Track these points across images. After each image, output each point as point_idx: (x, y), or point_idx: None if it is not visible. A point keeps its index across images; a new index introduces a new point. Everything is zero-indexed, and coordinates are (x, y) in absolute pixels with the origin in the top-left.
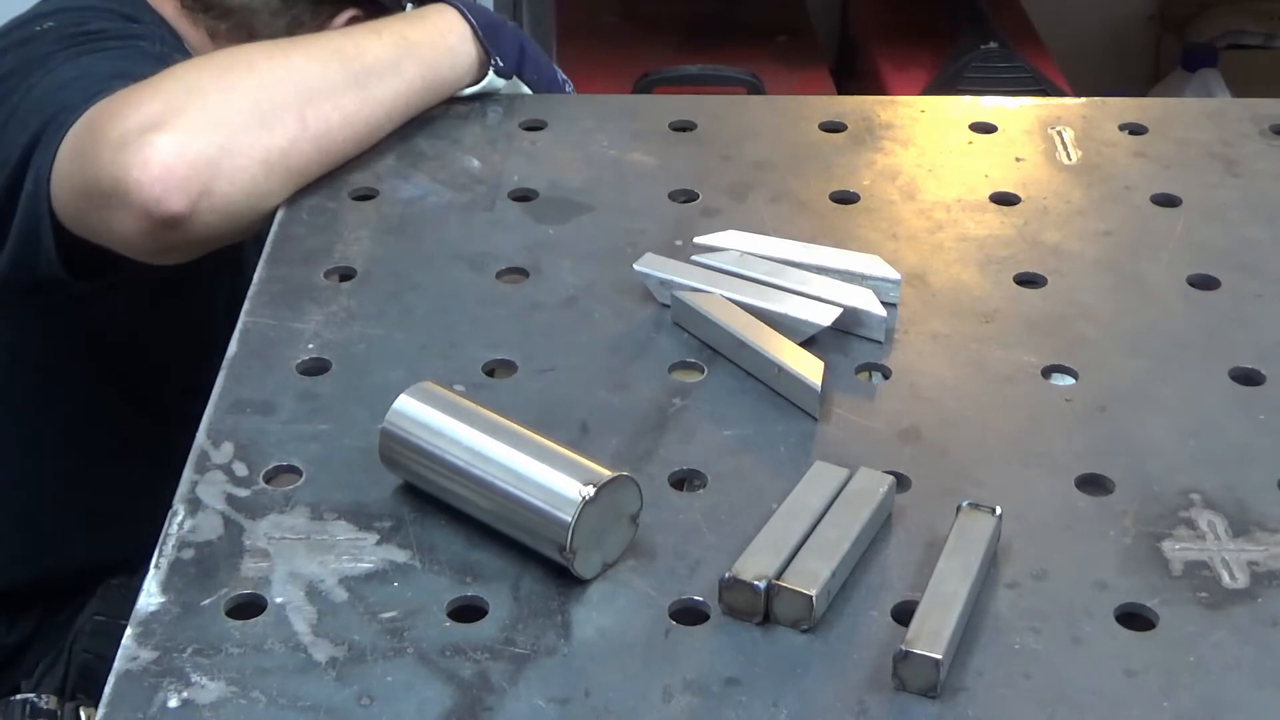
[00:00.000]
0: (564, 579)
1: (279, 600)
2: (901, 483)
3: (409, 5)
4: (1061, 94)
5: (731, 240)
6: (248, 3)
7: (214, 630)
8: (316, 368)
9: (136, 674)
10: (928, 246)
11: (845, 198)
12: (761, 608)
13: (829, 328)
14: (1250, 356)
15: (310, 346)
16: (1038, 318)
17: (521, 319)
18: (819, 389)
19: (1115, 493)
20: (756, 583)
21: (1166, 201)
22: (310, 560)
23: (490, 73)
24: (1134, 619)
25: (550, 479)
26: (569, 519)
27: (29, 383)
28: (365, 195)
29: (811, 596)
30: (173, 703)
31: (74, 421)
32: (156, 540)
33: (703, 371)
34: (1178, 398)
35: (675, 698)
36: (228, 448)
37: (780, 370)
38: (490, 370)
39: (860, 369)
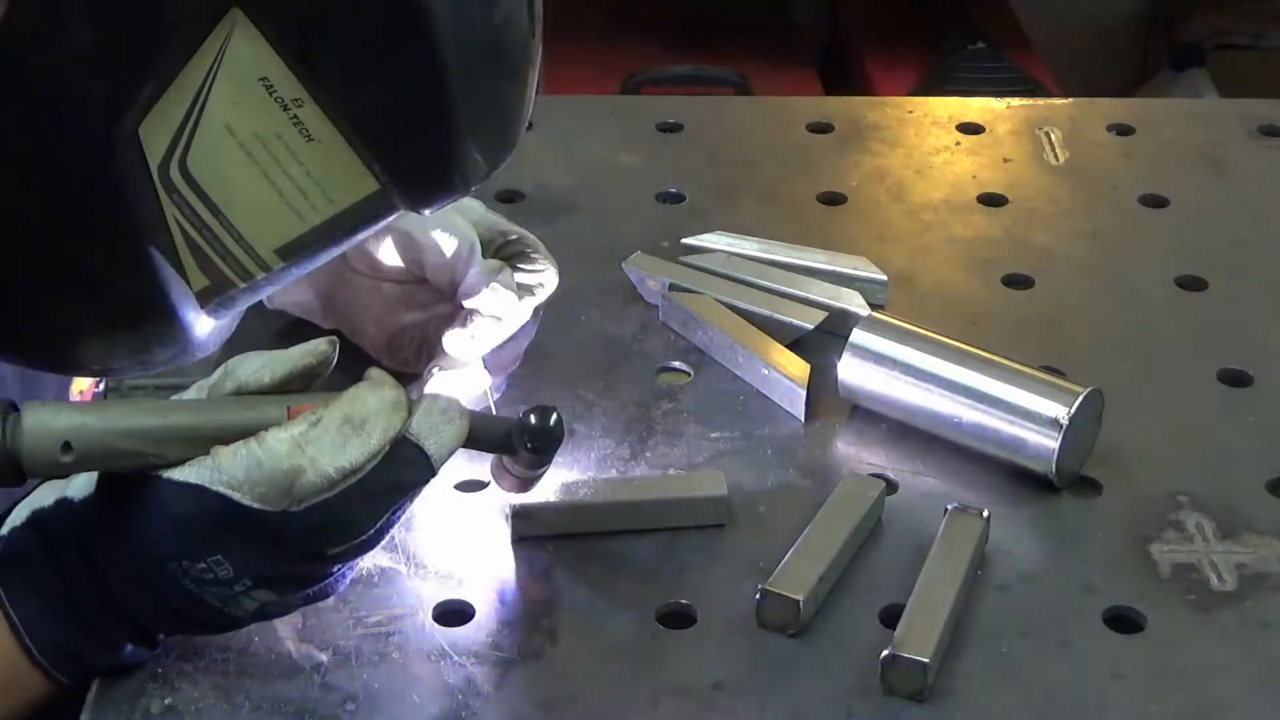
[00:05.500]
0: (550, 582)
1: None
2: (889, 486)
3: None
4: (1049, 94)
5: (718, 241)
6: None
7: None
8: None
9: (120, 679)
10: (915, 248)
11: (832, 199)
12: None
13: (816, 329)
14: (1238, 357)
15: None
16: (1025, 319)
17: None
18: (805, 391)
19: (1103, 495)
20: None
21: (1154, 202)
22: None
23: None
24: (1122, 621)
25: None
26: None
27: None
28: None
29: (799, 601)
30: (156, 708)
31: None
32: None
33: (690, 374)
34: (1165, 399)
35: (662, 702)
36: None
37: (767, 372)
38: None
39: None
